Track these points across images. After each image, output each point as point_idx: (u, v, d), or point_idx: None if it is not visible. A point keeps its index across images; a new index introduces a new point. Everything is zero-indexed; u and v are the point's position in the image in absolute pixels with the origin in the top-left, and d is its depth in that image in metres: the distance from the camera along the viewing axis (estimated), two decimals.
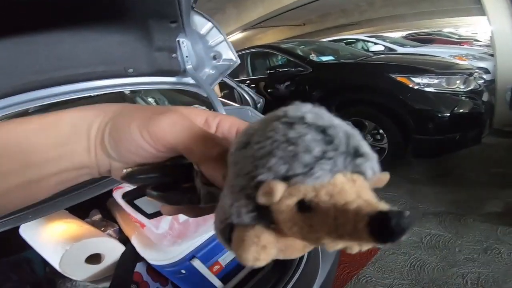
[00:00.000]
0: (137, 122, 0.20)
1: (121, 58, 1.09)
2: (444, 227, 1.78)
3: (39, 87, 0.97)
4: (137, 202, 0.26)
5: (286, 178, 0.14)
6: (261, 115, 1.33)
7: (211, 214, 0.21)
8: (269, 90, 3.12)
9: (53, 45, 0.92)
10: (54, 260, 0.70)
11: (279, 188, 0.13)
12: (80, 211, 0.89)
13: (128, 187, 0.26)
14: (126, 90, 1.82)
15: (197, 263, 0.79)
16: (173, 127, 0.20)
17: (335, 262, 1.00)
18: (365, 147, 0.15)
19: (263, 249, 0.14)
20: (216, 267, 0.87)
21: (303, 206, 0.14)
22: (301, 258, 0.91)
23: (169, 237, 0.74)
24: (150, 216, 0.27)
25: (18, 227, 0.75)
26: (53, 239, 0.73)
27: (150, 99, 1.95)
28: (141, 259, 0.80)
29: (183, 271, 0.79)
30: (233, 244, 0.15)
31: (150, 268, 0.86)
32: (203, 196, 0.21)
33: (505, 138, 2.98)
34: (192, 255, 0.78)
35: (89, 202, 0.74)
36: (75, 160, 0.21)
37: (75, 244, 0.69)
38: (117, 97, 1.98)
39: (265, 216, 0.15)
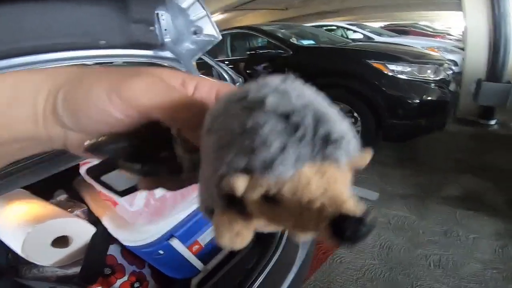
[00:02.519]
0: (103, 85, 0.17)
1: (93, 29, 1.00)
2: (409, 209, 1.90)
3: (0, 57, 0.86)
4: (105, 178, 0.22)
5: (247, 171, 0.13)
6: None
7: (193, 184, 0.19)
8: (247, 71, 3.10)
9: (16, 15, 0.83)
10: (15, 245, 0.64)
11: (239, 183, 0.12)
12: (43, 192, 0.82)
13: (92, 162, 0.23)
14: (96, 66, 1.70)
15: (175, 243, 0.77)
16: (149, 90, 0.17)
17: (312, 242, 1.04)
18: (340, 131, 0.13)
19: (237, 235, 0.14)
20: (196, 247, 0.85)
21: (269, 199, 0.13)
22: (281, 238, 0.93)
23: (144, 215, 0.71)
24: (121, 193, 0.24)
25: None
26: (13, 222, 0.66)
27: None
28: (115, 240, 0.76)
29: (160, 252, 0.77)
30: (214, 228, 0.15)
31: (125, 250, 0.82)
32: (185, 167, 0.19)
33: (468, 126, 3.21)
34: (170, 234, 0.76)
35: (53, 181, 0.68)
36: (17, 130, 0.18)
37: (37, 225, 0.63)
38: None
39: (238, 203, 0.14)
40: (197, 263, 0.87)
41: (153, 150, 0.20)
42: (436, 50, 4.24)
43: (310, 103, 0.14)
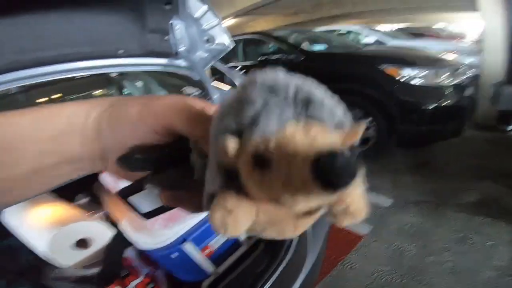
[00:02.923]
0: (136, 105, 0.21)
1: (112, 38, 1.05)
2: (423, 216, 1.85)
3: (22, 67, 0.92)
4: (132, 199, 0.25)
5: (238, 134, 0.14)
6: None
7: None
8: None
9: (37, 24, 0.88)
10: (40, 246, 0.68)
11: (231, 142, 0.13)
12: (65, 196, 0.86)
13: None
14: (113, 73, 1.76)
15: (188, 247, 0.79)
16: (173, 107, 0.20)
17: (323, 247, 1.03)
18: (320, 96, 0.14)
19: (229, 213, 0.14)
20: (208, 250, 0.87)
21: (259, 161, 0.13)
22: (291, 241, 0.94)
23: (160, 220, 0.74)
24: (145, 215, 0.26)
25: None
26: (38, 224, 0.70)
27: (138, 83, 1.89)
28: (131, 243, 0.79)
29: (174, 255, 0.79)
30: (209, 212, 0.15)
31: (141, 253, 0.85)
32: (197, 169, 0.21)
33: (486, 132, 3.10)
34: (183, 238, 0.78)
35: (75, 185, 0.72)
36: (69, 154, 0.21)
37: (62, 228, 0.67)
38: (102, 80, 1.91)
39: (236, 182, 0.14)
40: (208, 267, 0.88)
41: (173, 162, 0.22)
42: (452, 53, 4.14)
43: (295, 81, 0.15)
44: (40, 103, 1.76)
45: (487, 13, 2.99)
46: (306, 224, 0.17)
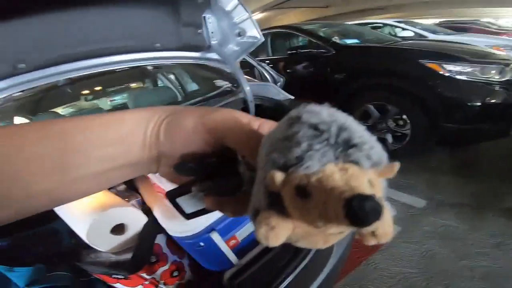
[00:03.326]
0: (192, 116, 0.23)
1: (149, 33, 1.10)
2: (460, 219, 1.75)
3: (68, 60, 1.00)
4: (179, 200, 0.27)
5: (285, 168, 0.16)
6: (283, 92, 1.31)
7: (246, 215, 0.23)
8: (287, 71, 3.07)
9: (81, 21, 0.95)
10: (81, 230, 0.71)
11: (278, 176, 0.16)
12: None
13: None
14: (149, 66, 1.84)
15: (215, 236, 0.80)
16: (224, 121, 0.22)
17: (348, 246, 1.01)
18: (362, 138, 0.17)
19: (272, 229, 0.17)
20: (233, 242, 0.88)
21: (301, 191, 0.16)
22: None
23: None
24: (188, 216, 0.28)
25: None
26: (80, 208, 0.73)
27: (171, 76, 1.95)
28: (162, 230, 0.82)
29: (201, 244, 0.81)
30: (255, 225, 0.18)
31: (170, 240, 0.88)
32: (246, 180, 0.23)
33: None
34: (211, 228, 0.79)
35: None
36: (130, 158, 0.23)
37: (102, 213, 0.70)
38: (139, 73, 2.00)
39: (278, 201, 0.17)
40: (232, 257, 0.89)
41: (222, 170, 0.25)
42: (502, 49, 3.76)
43: (337, 118, 0.17)
44: (84, 94, 1.89)
45: None
46: (335, 239, 0.20)
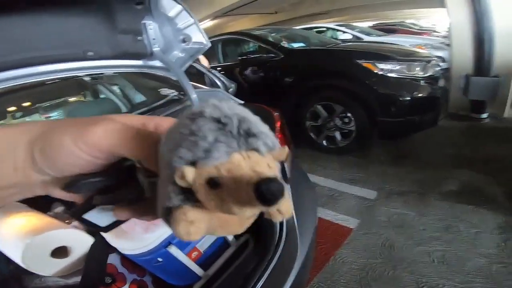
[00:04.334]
0: (70, 135, 0.20)
1: (80, 41, 1.01)
2: (408, 206, 1.90)
3: None
4: (87, 216, 0.25)
5: (193, 163, 0.17)
6: (233, 97, 1.32)
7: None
8: (239, 76, 3.12)
9: (4, 28, 0.84)
10: (15, 256, 0.64)
11: (188, 171, 0.17)
12: (39, 205, 0.82)
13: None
14: (86, 78, 1.70)
15: (174, 250, 0.77)
16: (107, 133, 0.21)
17: (312, 244, 1.03)
18: (258, 128, 0.18)
19: (191, 223, 0.17)
20: (195, 253, 0.86)
21: (212, 183, 0.17)
22: (279, 241, 0.94)
23: (141, 223, 0.71)
24: (104, 229, 0.27)
25: None
26: (11, 233, 0.66)
27: (114, 87, 1.83)
28: (114, 249, 0.76)
29: (159, 259, 0.77)
30: (171, 224, 0.18)
31: (124, 259, 0.82)
32: (146, 188, 0.23)
33: (460, 121, 3.26)
34: (168, 242, 0.76)
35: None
36: (2, 180, 0.21)
37: (36, 237, 0.63)
38: (76, 86, 1.84)
39: (191, 197, 0.18)
40: (197, 270, 0.87)
41: (120, 181, 0.24)
42: (423, 47, 4.32)
43: (237, 111, 0.18)
44: (11, 112, 1.67)
45: (453, 9, 3.14)
46: (249, 222, 0.21)
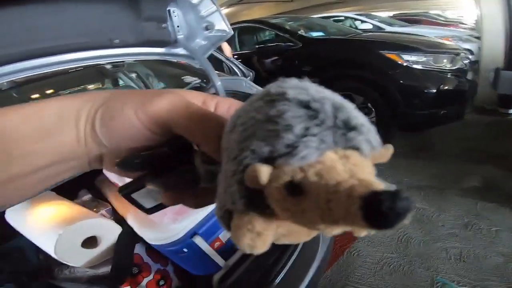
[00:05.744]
0: (132, 104, 0.19)
1: (106, 28, 1.00)
2: (427, 201, 1.85)
3: (13, 60, 0.87)
4: (135, 195, 0.24)
5: (271, 160, 0.13)
6: (255, 85, 1.29)
7: (212, 204, 0.20)
8: (256, 65, 3.09)
9: (28, 17, 0.83)
10: (47, 246, 0.65)
11: (263, 171, 0.13)
12: (67, 192, 0.83)
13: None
14: (108, 65, 1.70)
15: (198, 240, 0.77)
16: (170, 107, 0.19)
17: (332, 237, 1.02)
18: (358, 118, 0.14)
19: (258, 236, 0.14)
20: (217, 243, 0.85)
21: (293, 189, 0.13)
22: None
23: (168, 214, 0.71)
24: (149, 210, 0.25)
25: (3, 213, 0.69)
26: (43, 223, 0.67)
27: (133, 75, 1.83)
28: (140, 239, 0.76)
29: (184, 250, 0.77)
30: (231, 232, 0.15)
31: (150, 249, 0.83)
32: (203, 176, 0.20)
33: (486, 115, 3.11)
34: (193, 232, 0.76)
35: (76, 181, 0.69)
36: (63, 152, 0.20)
37: (68, 227, 0.64)
38: (97, 73, 1.85)
39: (260, 200, 0.14)
40: (219, 260, 0.87)
41: (175, 163, 0.21)
42: (450, 39, 4.10)
43: (327, 95, 0.14)
44: (33, 99, 1.70)
45: (484, 1, 2.97)
46: (319, 232, 0.17)
